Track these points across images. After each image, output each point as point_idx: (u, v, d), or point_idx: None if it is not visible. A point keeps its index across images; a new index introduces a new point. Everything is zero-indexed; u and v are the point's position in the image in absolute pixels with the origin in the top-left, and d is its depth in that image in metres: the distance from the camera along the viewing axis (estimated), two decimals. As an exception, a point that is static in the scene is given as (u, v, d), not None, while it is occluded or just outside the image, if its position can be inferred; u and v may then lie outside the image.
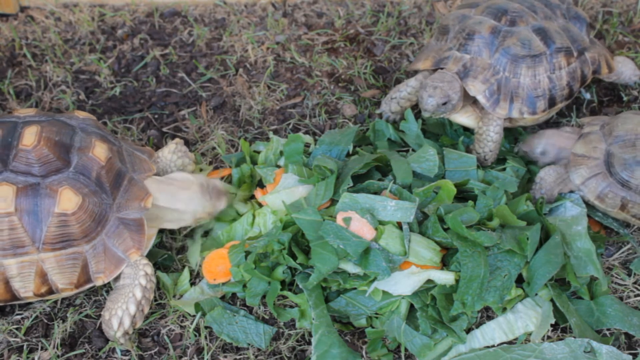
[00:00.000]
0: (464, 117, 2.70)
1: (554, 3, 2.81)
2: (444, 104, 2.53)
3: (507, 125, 2.69)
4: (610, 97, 3.09)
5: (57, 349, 2.13)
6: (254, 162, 2.68)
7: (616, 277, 2.35)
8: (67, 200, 2.03)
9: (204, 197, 2.37)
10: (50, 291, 2.11)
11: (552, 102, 2.62)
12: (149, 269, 2.16)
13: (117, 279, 2.18)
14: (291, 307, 2.24)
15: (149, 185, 2.28)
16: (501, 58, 2.57)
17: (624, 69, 2.97)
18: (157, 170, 2.50)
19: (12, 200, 1.99)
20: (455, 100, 2.55)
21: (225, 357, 2.12)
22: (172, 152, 2.55)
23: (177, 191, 2.34)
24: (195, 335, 2.17)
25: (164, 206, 2.30)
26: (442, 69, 2.62)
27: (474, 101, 2.67)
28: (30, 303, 2.27)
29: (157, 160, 2.54)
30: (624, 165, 2.30)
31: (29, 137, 2.08)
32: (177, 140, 2.62)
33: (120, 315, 2.08)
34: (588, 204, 2.44)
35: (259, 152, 2.74)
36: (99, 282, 2.13)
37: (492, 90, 2.55)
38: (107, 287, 2.31)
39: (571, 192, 2.47)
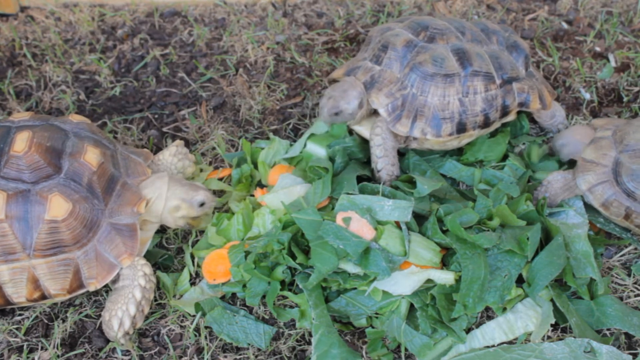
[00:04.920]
0: (368, 131, 2.58)
1: (492, 29, 2.68)
2: (336, 114, 2.48)
3: (414, 146, 2.61)
4: (610, 97, 3.09)
5: (57, 349, 2.13)
6: (255, 163, 2.68)
7: (616, 277, 2.35)
8: (57, 206, 2.03)
9: (174, 183, 2.32)
10: (43, 296, 2.11)
11: (461, 128, 2.48)
12: (148, 269, 2.16)
13: (115, 280, 2.18)
14: (291, 307, 2.24)
15: None
16: (411, 73, 2.45)
17: (557, 114, 2.83)
18: (157, 172, 2.50)
19: (2, 207, 1.99)
20: (350, 111, 2.48)
21: (225, 357, 2.12)
22: (172, 154, 2.55)
23: (153, 180, 2.33)
24: (195, 335, 2.17)
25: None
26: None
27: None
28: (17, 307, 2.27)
29: (158, 162, 2.54)
30: (632, 176, 2.29)
31: (20, 143, 2.08)
32: (177, 142, 2.62)
33: (121, 316, 2.08)
34: (590, 208, 2.43)
35: (262, 148, 2.74)
36: (91, 288, 2.13)
37: (396, 105, 2.45)
38: (107, 287, 2.31)
39: (577, 197, 2.46)
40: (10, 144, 2.09)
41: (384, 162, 2.49)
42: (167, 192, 2.30)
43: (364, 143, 2.67)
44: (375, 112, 2.58)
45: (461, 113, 2.47)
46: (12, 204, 2.00)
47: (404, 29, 2.58)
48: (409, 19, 2.67)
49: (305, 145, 2.64)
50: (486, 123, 2.54)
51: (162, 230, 2.51)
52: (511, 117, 2.64)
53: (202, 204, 2.34)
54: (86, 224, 2.10)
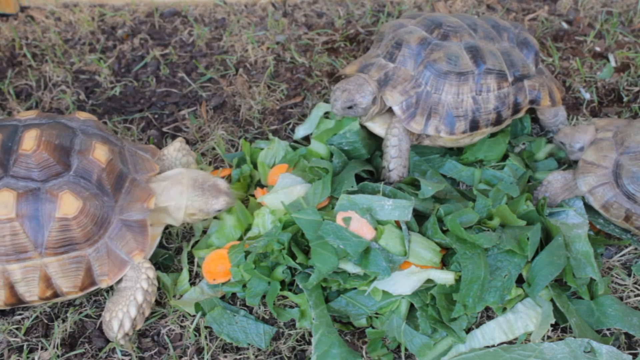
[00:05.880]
0: (381, 129, 2.60)
1: (503, 26, 2.69)
2: (350, 107, 2.49)
3: (426, 143, 2.62)
4: (610, 97, 3.09)
5: (57, 349, 2.13)
6: (254, 163, 2.69)
7: (616, 277, 2.35)
8: (68, 204, 2.02)
9: (195, 191, 2.30)
10: (55, 294, 2.11)
11: (474, 125, 2.49)
12: (152, 273, 2.15)
13: (119, 281, 2.18)
14: (291, 307, 2.24)
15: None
16: (425, 71, 2.46)
17: (560, 113, 2.83)
18: (163, 168, 2.50)
19: (13, 206, 1.98)
20: (364, 105, 2.48)
21: (225, 357, 2.12)
22: (177, 150, 2.55)
23: (170, 187, 2.31)
24: (195, 335, 2.17)
25: (160, 205, 2.29)
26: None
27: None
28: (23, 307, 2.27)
29: (163, 158, 2.53)
30: (632, 179, 2.29)
31: (29, 141, 2.07)
32: (179, 139, 2.63)
33: (121, 318, 2.08)
34: (590, 209, 2.44)
35: (262, 148, 2.74)
36: (103, 285, 2.13)
37: (410, 103, 2.46)
38: (108, 287, 2.31)
39: (577, 197, 2.46)
40: (19, 142, 2.09)
41: (397, 163, 2.50)
42: (186, 201, 2.29)
43: (369, 139, 2.67)
44: (388, 110, 2.58)
45: (474, 111, 2.48)
46: (22, 202, 2.00)
47: (418, 26, 2.58)
48: (421, 16, 2.67)
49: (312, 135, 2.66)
50: (498, 121, 2.55)
51: (165, 228, 2.51)
52: (521, 115, 2.65)
53: (218, 211, 2.34)
54: (97, 221, 2.10)
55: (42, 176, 2.05)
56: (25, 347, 2.14)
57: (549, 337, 2.15)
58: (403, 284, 2.11)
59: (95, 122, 2.34)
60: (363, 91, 2.48)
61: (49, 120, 2.24)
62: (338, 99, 2.49)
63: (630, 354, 2.09)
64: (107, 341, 2.16)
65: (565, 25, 3.52)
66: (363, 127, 2.67)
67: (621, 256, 2.42)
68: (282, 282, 2.22)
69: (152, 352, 2.14)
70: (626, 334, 2.18)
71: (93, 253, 2.11)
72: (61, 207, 2.02)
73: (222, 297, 2.29)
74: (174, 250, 2.47)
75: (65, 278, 2.09)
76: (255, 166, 2.68)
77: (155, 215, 2.30)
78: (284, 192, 2.39)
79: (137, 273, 2.14)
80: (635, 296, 2.29)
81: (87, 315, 2.24)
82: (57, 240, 2.04)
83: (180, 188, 2.30)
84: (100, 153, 2.16)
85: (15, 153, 2.07)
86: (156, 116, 3.02)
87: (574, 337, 2.06)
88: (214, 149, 2.84)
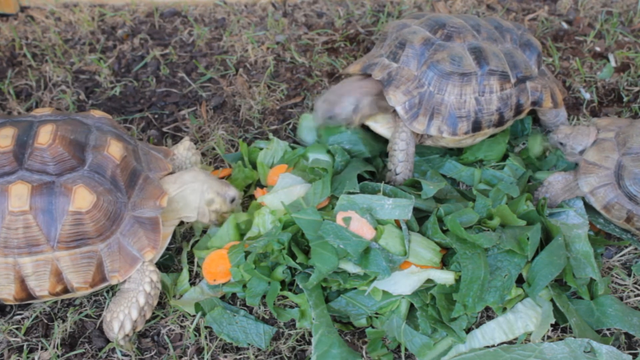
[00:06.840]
0: (384, 129, 2.60)
1: (506, 27, 2.69)
2: (330, 117, 2.49)
3: (429, 143, 2.63)
4: (610, 97, 3.09)
5: (57, 349, 2.13)
6: (253, 163, 2.69)
7: (616, 277, 2.35)
8: (82, 198, 2.03)
9: (207, 176, 2.35)
10: (66, 290, 2.10)
11: (476, 126, 2.49)
12: (155, 276, 2.15)
13: (122, 281, 2.18)
14: (291, 307, 2.24)
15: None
16: (428, 71, 2.46)
17: (561, 113, 2.82)
18: (174, 167, 2.52)
19: (27, 199, 1.98)
20: (343, 116, 2.48)
21: (225, 357, 2.12)
22: (186, 148, 2.57)
23: (182, 175, 2.35)
24: (195, 335, 2.17)
25: (174, 194, 2.30)
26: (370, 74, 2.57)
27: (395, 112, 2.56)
28: (30, 303, 2.27)
29: (173, 157, 2.54)
30: (634, 180, 2.29)
31: (44, 135, 2.08)
32: (187, 137, 2.64)
33: (122, 319, 2.08)
34: (590, 208, 2.44)
35: (261, 148, 2.74)
36: (114, 281, 2.13)
37: (413, 103, 2.46)
38: (109, 287, 2.31)
39: (577, 197, 2.46)
40: (34, 136, 2.09)
41: (404, 167, 2.51)
42: (203, 185, 2.32)
43: (371, 139, 2.67)
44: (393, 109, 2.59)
45: (477, 112, 2.48)
46: (36, 195, 2.00)
47: (421, 27, 2.59)
48: (424, 16, 2.67)
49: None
50: (500, 122, 2.55)
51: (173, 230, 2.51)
52: (523, 116, 2.65)
53: (232, 200, 2.39)
54: (110, 216, 2.10)
55: (56, 170, 2.05)
56: (25, 347, 2.14)
57: (549, 337, 2.15)
58: (403, 283, 2.11)
59: (110, 120, 2.35)
60: (342, 102, 2.48)
61: (64, 117, 2.25)
62: (318, 110, 2.50)
63: (630, 354, 2.09)
64: (107, 341, 2.16)
65: (565, 25, 3.52)
66: (365, 126, 2.68)
67: (621, 256, 2.42)
68: (282, 282, 2.22)
69: (152, 352, 2.14)
70: (626, 334, 2.18)
71: (105, 248, 2.11)
72: (75, 201, 2.02)
73: (222, 297, 2.29)
74: (174, 250, 2.47)
75: (77, 273, 2.08)
76: (254, 166, 2.68)
77: (168, 212, 2.30)
78: (284, 192, 2.39)
79: (141, 275, 2.14)
80: (635, 296, 2.29)
81: (87, 315, 2.24)
82: (69, 234, 2.04)
83: (193, 173, 2.35)
84: (114, 149, 2.17)
85: (30, 147, 2.07)
86: (156, 116, 3.03)
87: (574, 337, 2.06)
88: (214, 149, 2.85)
